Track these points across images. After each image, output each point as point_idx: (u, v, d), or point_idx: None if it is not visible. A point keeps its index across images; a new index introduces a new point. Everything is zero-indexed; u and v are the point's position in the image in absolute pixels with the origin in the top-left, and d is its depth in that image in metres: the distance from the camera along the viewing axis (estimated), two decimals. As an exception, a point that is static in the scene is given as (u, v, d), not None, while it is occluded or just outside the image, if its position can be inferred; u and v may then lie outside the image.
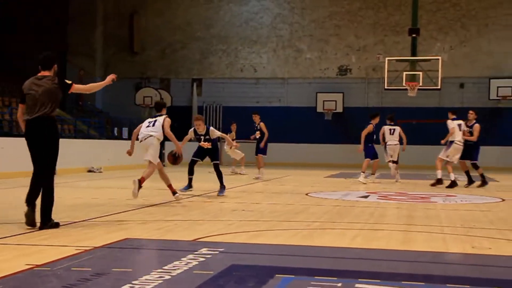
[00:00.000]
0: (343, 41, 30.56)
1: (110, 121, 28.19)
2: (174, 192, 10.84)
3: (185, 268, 5.18)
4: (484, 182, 15.69)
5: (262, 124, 17.83)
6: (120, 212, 9.16)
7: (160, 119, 10.59)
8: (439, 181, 15.53)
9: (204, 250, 5.98)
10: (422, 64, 26.19)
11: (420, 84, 25.50)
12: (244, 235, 7.28)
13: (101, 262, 5.52)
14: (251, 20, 31.43)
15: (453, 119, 15.30)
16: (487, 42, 29.32)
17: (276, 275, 5.07)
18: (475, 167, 15.60)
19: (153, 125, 10.52)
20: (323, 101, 29.98)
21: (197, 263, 5.41)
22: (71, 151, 19.47)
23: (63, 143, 20.56)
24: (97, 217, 8.54)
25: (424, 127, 28.92)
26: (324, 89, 30.28)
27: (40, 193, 7.29)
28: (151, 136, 10.42)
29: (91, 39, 31.67)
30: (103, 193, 13.01)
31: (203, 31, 31.80)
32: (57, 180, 16.84)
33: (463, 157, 15.48)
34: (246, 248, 6.50)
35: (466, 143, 15.29)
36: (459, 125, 15.16)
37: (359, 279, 5.04)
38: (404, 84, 25.62)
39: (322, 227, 8.03)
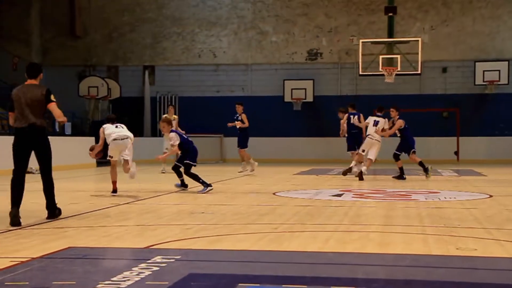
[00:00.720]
0: (312, 21, 30.69)
1: (50, 115, 27.87)
2: (115, 190, 12.47)
3: (137, 279, 5.16)
4: (400, 176, 17.12)
5: (244, 115, 19.02)
6: (62, 218, 9.07)
7: (125, 127, 12.83)
8: (349, 170, 17.88)
9: (158, 258, 5.96)
10: (400, 46, 26.45)
11: (398, 69, 25.76)
12: (203, 240, 7.27)
13: (40, 275, 5.46)
14: (209, -1, 31.36)
15: (376, 115, 17.69)
16: (472, 21, 29.74)
17: (239, 284, 5.08)
18: (395, 157, 17.34)
19: (123, 127, 12.74)
20: (291, 89, 30.08)
21: (150, 273, 5.38)
22: (5, 150, 19.13)
23: (-4, 140, 19.60)
24: (36, 224, 8.45)
25: (404, 117, 29.15)
26: (292, 76, 30.40)
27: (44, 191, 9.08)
28: (128, 137, 12.54)
29: (25, 21, 31.17)
30: (42, 196, 12.83)
31: (155, 11, 31.61)
32: (-11, 183, 16.36)
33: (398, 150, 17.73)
34: (205, 255, 6.50)
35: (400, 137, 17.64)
36: (375, 121, 17.46)
37: (333, 287, 5.08)
38: (380, 69, 25.86)
39: (291, 230, 8.07)
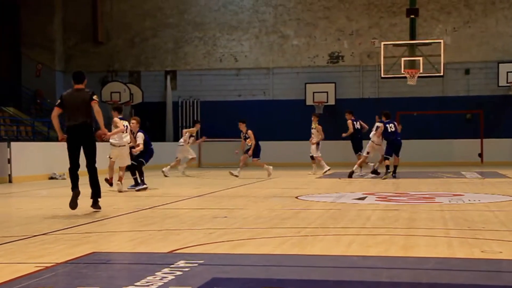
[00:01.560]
0: (333, 24, 30.63)
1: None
2: (111, 184, 14.74)
3: (160, 283, 5.17)
4: (377, 173, 19.68)
5: (250, 131, 19.63)
6: (86, 223, 9.13)
7: (128, 127, 14.68)
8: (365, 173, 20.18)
9: (181, 263, 5.97)
10: (423, 48, 26.30)
11: (421, 71, 25.60)
12: (226, 244, 7.28)
13: (64, 280, 5.50)
14: (230, 3, 31.40)
15: (379, 121, 19.57)
16: (495, 22, 29.51)
17: (263, 289, 5.09)
18: (384, 159, 19.45)
19: (126, 129, 14.50)
20: (313, 92, 30.00)
21: (173, 277, 5.40)
22: (30, 156, 19.36)
23: (20, 146, 20.53)
24: (60, 230, 8.49)
25: (426, 119, 29.08)
26: (314, 79, 30.33)
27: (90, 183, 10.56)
28: (125, 146, 14.45)
29: (48, 28, 31.45)
30: (66, 202, 12.93)
31: (176, 16, 31.73)
32: (14, 189, 16.70)
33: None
34: (228, 259, 6.51)
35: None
36: (376, 127, 19.50)
37: (356, 290, 5.06)
38: (402, 72, 25.71)
39: (314, 234, 8.05)
